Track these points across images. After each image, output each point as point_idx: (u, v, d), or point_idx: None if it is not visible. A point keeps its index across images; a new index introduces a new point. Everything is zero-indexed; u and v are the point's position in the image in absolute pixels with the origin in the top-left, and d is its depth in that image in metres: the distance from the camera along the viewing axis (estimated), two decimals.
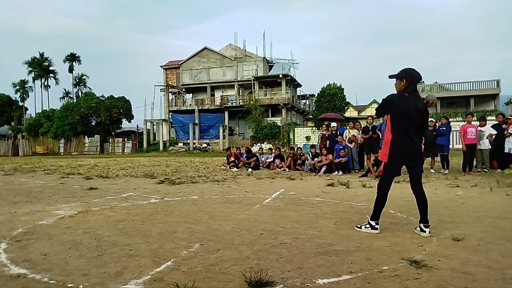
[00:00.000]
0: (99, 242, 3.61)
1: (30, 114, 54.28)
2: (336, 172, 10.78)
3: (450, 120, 11.85)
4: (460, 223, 4.41)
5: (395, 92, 4.01)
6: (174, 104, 44.15)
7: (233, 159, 13.34)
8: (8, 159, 27.52)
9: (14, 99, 52.26)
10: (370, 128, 10.90)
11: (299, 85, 47.88)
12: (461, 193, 6.69)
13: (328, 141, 11.97)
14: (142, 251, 3.29)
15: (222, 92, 43.21)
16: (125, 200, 6.36)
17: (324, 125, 13.28)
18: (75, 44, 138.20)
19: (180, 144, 39.50)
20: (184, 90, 45.15)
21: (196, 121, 40.28)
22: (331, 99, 33.09)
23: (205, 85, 43.79)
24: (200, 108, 41.57)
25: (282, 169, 12.25)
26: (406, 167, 4.08)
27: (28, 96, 55.01)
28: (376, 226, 3.97)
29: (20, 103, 53.42)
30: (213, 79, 43.81)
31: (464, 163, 10.30)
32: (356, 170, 11.35)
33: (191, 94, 46.25)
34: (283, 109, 39.42)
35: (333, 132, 12.05)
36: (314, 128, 35.19)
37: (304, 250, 3.32)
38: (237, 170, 12.45)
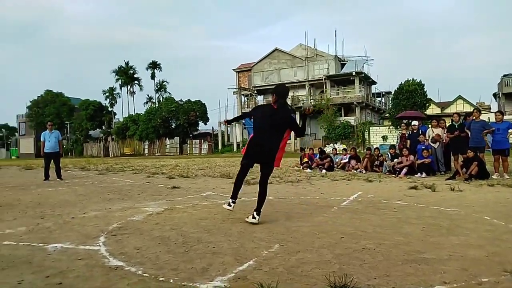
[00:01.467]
0: (185, 238, 3.80)
1: (118, 119, 59.52)
2: (419, 174, 10.11)
3: None
4: None
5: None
6: (246, 106, 45.18)
7: (306, 160, 13.22)
8: (100, 160, 30.47)
9: (104, 105, 57.69)
10: (456, 126, 10.06)
11: (374, 83, 45.99)
12: None
13: (408, 141, 11.29)
14: (225, 249, 3.39)
15: (293, 92, 43.16)
16: (205, 199, 6.64)
17: (403, 124, 12.58)
18: (156, 52, 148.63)
19: None
20: (255, 92, 46.00)
21: None
22: (410, 96, 31.21)
23: None
24: None
25: (359, 170, 11.83)
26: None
27: (116, 102, 60.39)
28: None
29: (110, 109, 58.81)
30: (284, 79, 43.95)
31: None
32: (442, 172, 10.53)
33: (262, 96, 46.94)
34: (356, 108, 38.18)
35: (414, 131, 11.32)
36: (391, 127, 33.53)
37: (389, 256, 3.15)
38: (310, 171, 12.32)
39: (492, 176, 9.15)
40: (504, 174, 9.32)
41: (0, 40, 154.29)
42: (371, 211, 5.29)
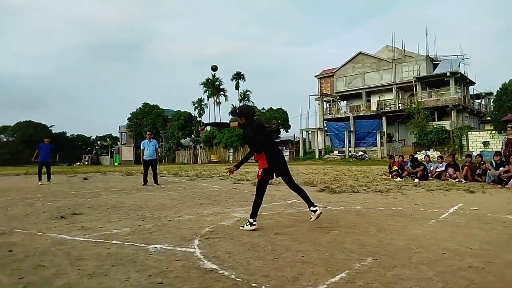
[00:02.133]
0: (273, 245, 3.82)
1: (206, 128, 62.91)
2: None
3: None
4: None
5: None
6: (328, 112, 44.41)
7: (396, 168, 12.46)
8: (190, 167, 32.43)
9: (193, 115, 61.56)
10: None
11: (472, 83, 41.82)
12: None
13: None
14: (314, 259, 3.33)
15: (379, 97, 41.23)
16: (290, 206, 6.63)
17: (509, 128, 11.16)
18: (240, 62, 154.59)
19: (335, 152, 39.31)
20: (338, 97, 44.97)
21: (352, 129, 39.45)
22: None
23: (360, 91, 42.60)
24: (355, 115, 40.60)
25: (457, 180, 10.77)
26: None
27: (204, 112, 63.94)
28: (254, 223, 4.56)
29: (198, 119, 62.42)
30: (368, 84, 42.29)
31: None
32: None
33: (345, 101, 45.70)
34: (452, 111, 35.02)
35: None
36: (493, 132, 30.09)
37: (503, 278, 2.80)
38: (401, 180, 11.56)
39: None
40: None
41: (105, 60, 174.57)
42: (476, 225, 4.76)
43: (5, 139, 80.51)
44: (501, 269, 3.00)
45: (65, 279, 2.92)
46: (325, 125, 42.98)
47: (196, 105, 62.71)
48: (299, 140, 44.81)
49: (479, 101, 44.66)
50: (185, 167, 31.60)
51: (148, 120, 60.94)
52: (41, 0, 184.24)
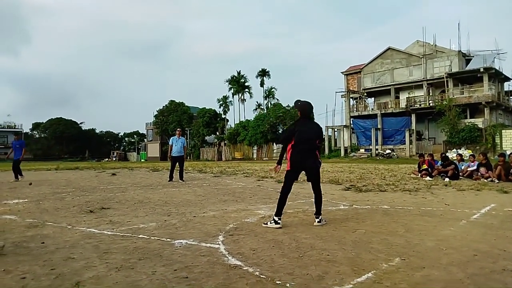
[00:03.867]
0: (298, 243, 3.79)
1: (230, 125, 63.26)
2: None
3: None
4: None
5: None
6: (355, 109, 43.68)
7: (425, 166, 12.10)
8: (214, 163, 32.73)
9: (218, 112, 62.06)
10: None
11: (508, 79, 40.08)
12: None
13: None
14: (340, 258, 3.27)
15: (409, 93, 40.14)
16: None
17: None
18: (265, 60, 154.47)
19: (362, 150, 38.63)
20: (365, 94, 44.16)
21: (379, 126, 38.63)
22: None
23: (389, 87, 41.64)
24: (383, 112, 39.72)
25: (490, 179, 10.35)
26: None
27: (228, 109, 64.39)
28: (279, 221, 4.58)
29: (223, 116, 62.97)
30: (397, 80, 41.27)
31: None
32: None
33: (373, 98, 44.80)
34: (485, 108, 33.67)
35: None
36: None
37: None
38: (430, 179, 11.22)
39: None
40: None
41: (133, 59, 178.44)
42: (510, 227, 4.56)
43: (37, 136, 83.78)
44: None
45: (94, 271, 3.00)
46: (351, 122, 42.29)
47: (221, 102, 63.20)
48: (324, 138, 44.35)
49: None
50: (209, 163, 31.92)
51: (174, 117, 61.97)
52: (71, 1, 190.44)
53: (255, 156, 49.14)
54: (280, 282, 2.69)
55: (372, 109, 42.54)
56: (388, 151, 36.07)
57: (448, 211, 5.74)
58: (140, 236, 4.21)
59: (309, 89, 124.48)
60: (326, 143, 42.71)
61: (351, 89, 44.57)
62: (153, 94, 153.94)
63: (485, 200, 6.93)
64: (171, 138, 12.19)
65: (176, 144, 11.82)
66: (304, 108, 4.95)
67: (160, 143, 68.30)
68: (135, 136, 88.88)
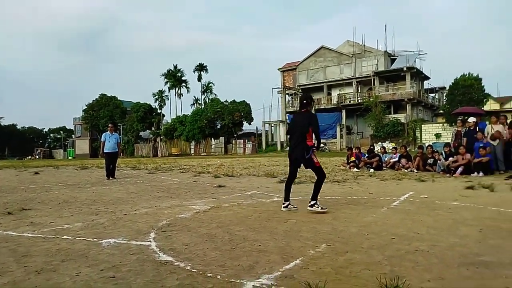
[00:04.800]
0: (231, 236, 3.83)
1: (167, 120, 61.70)
2: (476, 173, 9.49)
3: None
4: None
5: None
6: (290, 105, 44.95)
7: (353, 159, 12.88)
8: (150, 160, 31.75)
9: (154, 107, 60.05)
10: None
11: (427, 78, 43.90)
12: None
13: (465, 139, 10.63)
14: (271, 248, 3.37)
15: (340, 90, 42.29)
16: (250, 197, 6.68)
17: (459, 121, 11.88)
18: (203, 54, 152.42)
19: None
20: (300, 91, 45.61)
21: None
22: (466, 91, 29.47)
23: (322, 84, 43.48)
24: (316, 108, 41.37)
25: (410, 169, 11.32)
26: None
27: (165, 104, 62.62)
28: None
29: (159, 110, 61.12)
30: (329, 77, 43.23)
31: None
32: (501, 171, 9.80)
33: None
34: (407, 105, 36.63)
35: (471, 128, 10.63)
36: (445, 124, 31.83)
37: (444, 259, 2.97)
38: (357, 170, 11.98)
39: None
40: None
41: (61, 49, 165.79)
42: (424, 212, 5.03)
43: None
44: (444, 251, 3.19)
45: (9, 276, 2.77)
46: (287, 117, 43.48)
47: (156, 96, 61.26)
48: (261, 133, 45.10)
49: (433, 95, 46.98)
50: (144, 160, 30.90)
51: (105, 112, 58.80)
52: None
53: (192, 151, 48.49)
54: (211, 275, 2.70)
55: None
56: (321, 145, 37.67)
57: (371, 199, 6.19)
58: (64, 237, 3.96)
59: (248, 85, 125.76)
60: (263, 138, 43.50)
61: (287, 85, 45.80)
62: (83, 87, 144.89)
63: (404, 188, 7.57)
64: (103, 134, 11.58)
65: (109, 140, 11.25)
66: (301, 99, 5.43)
67: (89, 139, 64.52)
68: (61, 132, 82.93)
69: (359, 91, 41.14)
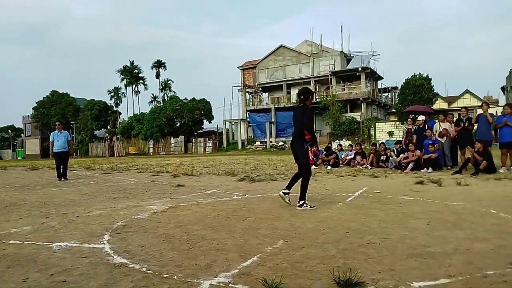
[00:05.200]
0: (189, 235, 3.80)
1: (123, 118, 59.74)
2: (425, 169, 10.04)
3: None
4: None
5: None
6: (251, 103, 45.13)
7: (312, 156, 13.15)
8: (105, 160, 30.64)
9: (109, 104, 57.85)
10: (464, 120, 9.96)
11: (380, 78, 45.71)
12: None
13: (415, 136, 11.20)
14: (229, 246, 3.38)
15: (298, 89, 42.99)
16: (209, 196, 6.64)
17: (409, 119, 12.48)
18: (161, 51, 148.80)
19: (258, 143, 40.24)
20: (260, 89, 45.94)
21: (273, 120, 40.67)
22: (417, 91, 31.03)
23: (281, 83, 44.01)
24: (276, 106, 41.88)
25: (364, 166, 11.77)
26: None
27: (121, 101, 60.62)
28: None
29: (115, 108, 59.00)
30: (289, 76, 43.84)
31: None
32: (449, 167, 10.43)
33: (267, 93, 46.85)
34: (362, 104, 37.97)
35: (421, 126, 11.22)
36: (397, 122, 33.33)
37: (394, 251, 3.13)
38: (315, 167, 12.25)
39: (499, 170, 9.05)
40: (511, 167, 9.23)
41: (6, 42, 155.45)
42: (377, 206, 5.25)
43: None
44: (394, 243, 3.35)
45: None
46: (247, 116, 43.63)
47: (112, 94, 59.18)
48: (222, 131, 44.92)
49: (386, 94, 48.98)
50: (99, 160, 29.77)
51: (56, 110, 55.98)
52: None
53: (151, 151, 47.36)
54: (167, 275, 2.66)
55: (267, 103, 44.46)
56: (281, 143, 38.23)
57: (328, 195, 6.37)
58: (10, 242, 3.74)
59: (208, 83, 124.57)
60: (224, 136, 43.36)
61: (247, 83, 45.90)
62: (33, 84, 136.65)
63: (359, 184, 7.85)
64: (52, 133, 11.03)
65: (58, 139, 10.72)
66: (297, 96, 5.71)
67: (40, 138, 61.11)
68: (9, 131, 77.76)
69: (317, 90, 42.07)
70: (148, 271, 2.77)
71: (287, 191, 5.33)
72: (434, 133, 10.80)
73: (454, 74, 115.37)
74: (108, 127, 56.26)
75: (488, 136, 9.44)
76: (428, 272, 2.62)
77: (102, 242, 3.63)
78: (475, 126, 10.00)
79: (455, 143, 10.60)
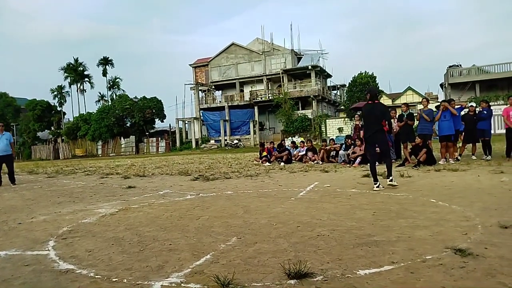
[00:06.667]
0: (140, 237, 3.72)
1: (68, 118, 56.69)
2: None
3: (490, 104, 11.28)
4: (507, 209, 4.19)
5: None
6: (204, 102, 44.69)
7: (265, 153, 13.34)
8: (50, 163, 28.93)
9: (53, 104, 54.54)
10: (405, 116, 10.57)
11: (329, 76, 47.16)
12: (506, 179, 6.36)
13: (361, 132, 11.70)
14: (182, 246, 3.36)
15: (251, 87, 43.25)
16: (162, 197, 6.52)
17: (357, 115, 13.01)
18: (108, 48, 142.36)
19: (212, 141, 39.98)
20: (213, 87, 45.59)
21: (227, 118, 40.57)
22: (363, 88, 32.30)
23: (234, 81, 44.00)
24: (230, 104, 41.80)
25: (315, 161, 12.12)
26: None
27: (65, 101, 57.41)
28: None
29: (59, 108, 55.77)
30: (241, 74, 43.92)
31: (508, 148, 9.77)
32: (393, 160, 11.00)
33: (220, 91, 46.63)
34: (313, 101, 38.97)
35: None
36: (346, 119, 34.58)
37: (342, 241, 3.27)
38: (269, 164, 12.44)
39: (439, 162, 9.72)
40: (450, 159, 9.95)
41: None
42: (327, 200, 5.44)
43: None
44: (342, 234, 3.51)
45: None
46: (201, 114, 43.16)
47: (55, 93, 55.90)
48: (175, 130, 44.07)
49: (335, 92, 50.63)
50: (43, 163, 28.07)
51: None
52: None
53: (100, 152, 45.38)
54: (117, 279, 2.60)
55: (220, 101, 44.24)
56: (235, 141, 38.27)
57: (281, 191, 6.50)
58: None
59: (158, 81, 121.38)
60: (177, 135, 42.58)
61: (200, 81, 45.37)
62: None
63: (310, 179, 8.09)
64: None
65: (0, 142, 9.92)
66: (368, 93, 6.48)
67: None
68: None
69: (269, 88, 42.55)
70: (96, 276, 2.68)
71: (390, 178, 6.24)
72: None
73: (397, 72, 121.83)
74: (52, 128, 53.07)
75: (428, 130, 10.11)
76: (373, 260, 2.77)
77: (46, 249, 3.45)
78: (416, 122, 10.67)
79: (398, 138, 11.22)
